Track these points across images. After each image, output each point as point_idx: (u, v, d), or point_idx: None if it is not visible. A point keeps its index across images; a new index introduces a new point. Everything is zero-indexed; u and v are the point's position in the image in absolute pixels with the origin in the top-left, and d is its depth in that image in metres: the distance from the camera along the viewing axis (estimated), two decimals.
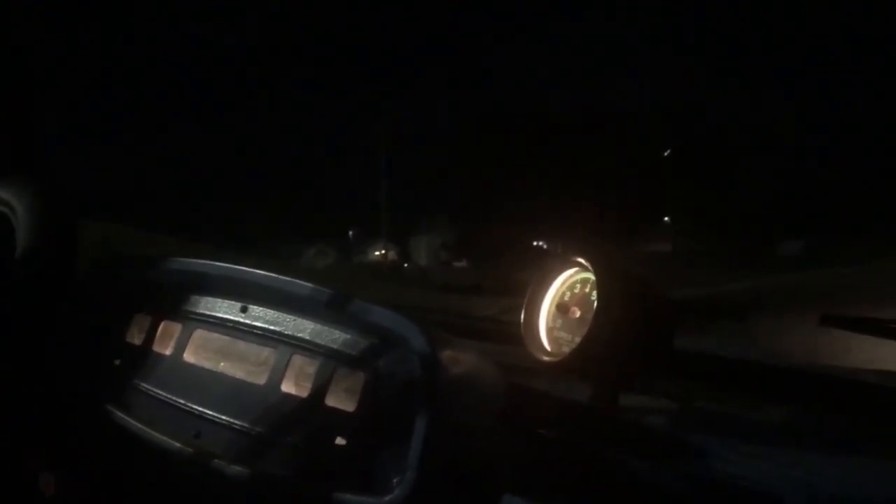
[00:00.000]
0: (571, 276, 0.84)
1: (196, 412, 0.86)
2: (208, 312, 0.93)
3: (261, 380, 0.84)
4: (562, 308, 0.82)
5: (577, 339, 0.75)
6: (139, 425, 0.88)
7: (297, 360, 0.82)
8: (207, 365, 0.90)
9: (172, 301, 0.95)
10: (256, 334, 0.87)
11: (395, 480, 0.68)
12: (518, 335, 0.85)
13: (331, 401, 0.78)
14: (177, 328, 0.94)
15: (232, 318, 0.91)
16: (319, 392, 0.79)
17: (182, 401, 0.88)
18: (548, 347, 0.82)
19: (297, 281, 0.82)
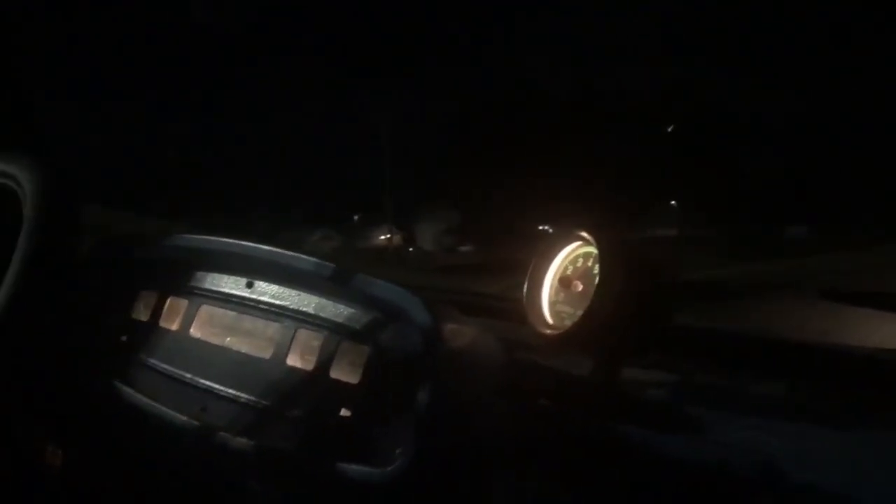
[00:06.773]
0: (574, 250, 0.84)
1: (202, 386, 0.87)
2: (214, 288, 0.94)
3: (266, 354, 0.85)
4: (564, 282, 0.82)
5: (579, 313, 0.75)
6: (146, 400, 0.89)
7: (302, 334, 0.83)
8: (214, 340, 0.91)
9: (178, 277, 0.96)
10: (262, 309, 0.88)
11: (396, 451, 0.69)
12: (520, 312, 0.86)
13: (335, 374, 0.79)
14: (183, 304, 0.95)
15: (237, 293, 0.92)
16: (324, 365, 0.80)
17: (188, 375, 0.89)
18: (550, 321, 0.82)
19: (302, 256, 0.83)
